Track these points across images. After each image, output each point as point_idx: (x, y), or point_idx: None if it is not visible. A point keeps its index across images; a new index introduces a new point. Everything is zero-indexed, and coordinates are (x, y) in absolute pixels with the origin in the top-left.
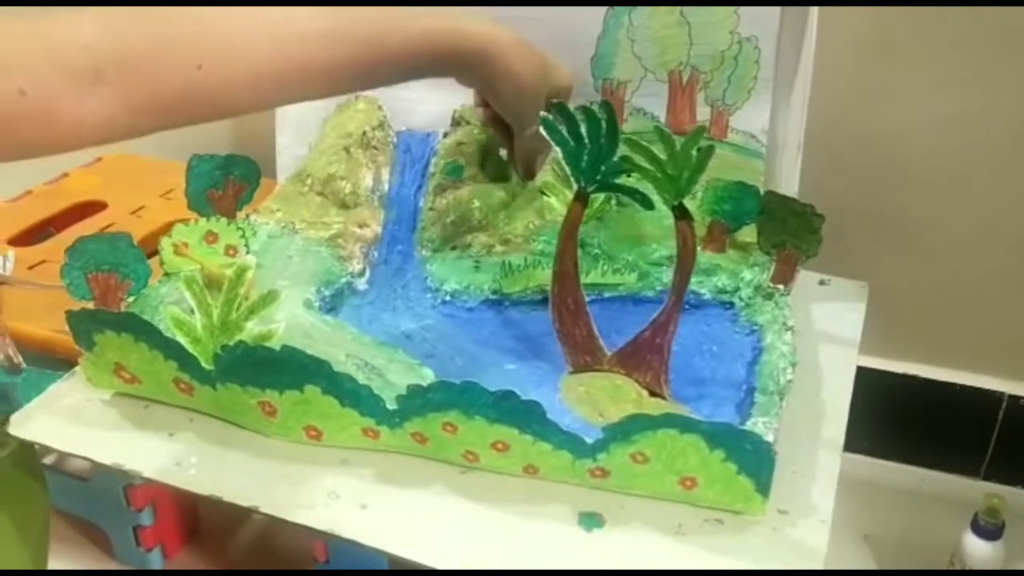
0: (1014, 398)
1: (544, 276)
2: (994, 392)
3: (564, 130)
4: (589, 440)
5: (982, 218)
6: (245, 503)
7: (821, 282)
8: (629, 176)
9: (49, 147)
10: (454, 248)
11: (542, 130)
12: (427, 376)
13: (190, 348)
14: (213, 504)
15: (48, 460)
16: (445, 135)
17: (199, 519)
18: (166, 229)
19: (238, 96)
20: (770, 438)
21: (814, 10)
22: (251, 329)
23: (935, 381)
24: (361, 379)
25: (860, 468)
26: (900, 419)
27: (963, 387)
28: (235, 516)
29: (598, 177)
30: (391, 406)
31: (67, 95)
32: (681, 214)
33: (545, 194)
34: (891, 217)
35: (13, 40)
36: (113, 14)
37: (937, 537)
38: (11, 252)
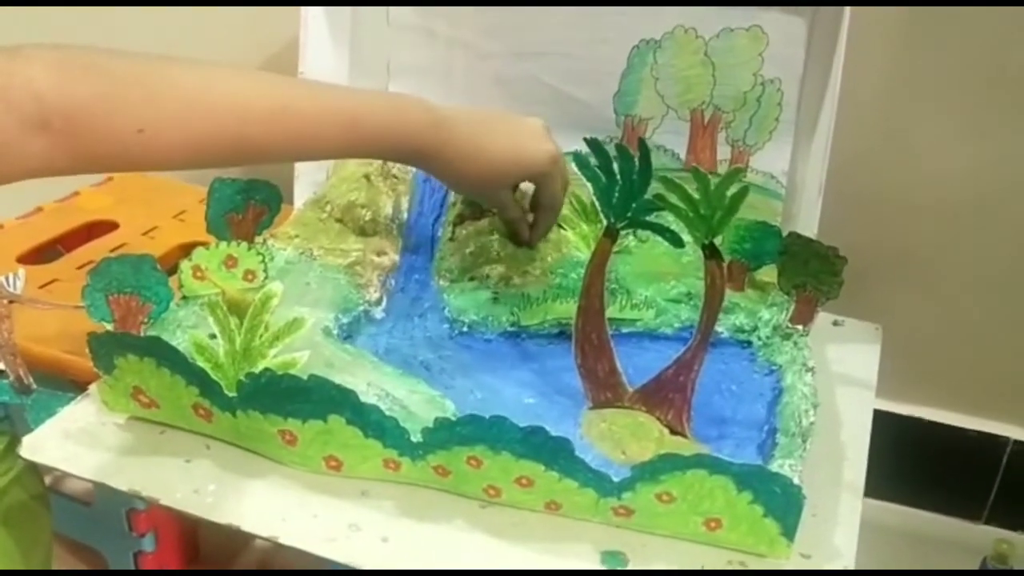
0: (1019, 443)
1: (562, 309)
2: (999, 437)
3: (596, 166)
4: (616, 478)
5: (997, 264)
6: (265, 533)
7: (835, 323)
8: (656, 213)
9: (2, 177)
10: (472, 279)
11: (572, 166)
12: (449, 409)
13: (212, 374)
14: (215, 531)
15: (46, 481)
16: None
17: (198, 546)
18: (179, 251)
19: (175, 160)
20: (796, 481)
21: (839, 54)
22: (273, 356)
23: (938, 424)
24: (383, 409)
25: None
26: (902, 462)
27: (967, 431)
28: (235, 543)
29: (628, 214)
30: (415, 438)
31: (16, 136)
32: (711, 254)
33: (563, 227)
34: (905, 261)
35: None
36: (68, 64)
37: None
38: (21, 270)
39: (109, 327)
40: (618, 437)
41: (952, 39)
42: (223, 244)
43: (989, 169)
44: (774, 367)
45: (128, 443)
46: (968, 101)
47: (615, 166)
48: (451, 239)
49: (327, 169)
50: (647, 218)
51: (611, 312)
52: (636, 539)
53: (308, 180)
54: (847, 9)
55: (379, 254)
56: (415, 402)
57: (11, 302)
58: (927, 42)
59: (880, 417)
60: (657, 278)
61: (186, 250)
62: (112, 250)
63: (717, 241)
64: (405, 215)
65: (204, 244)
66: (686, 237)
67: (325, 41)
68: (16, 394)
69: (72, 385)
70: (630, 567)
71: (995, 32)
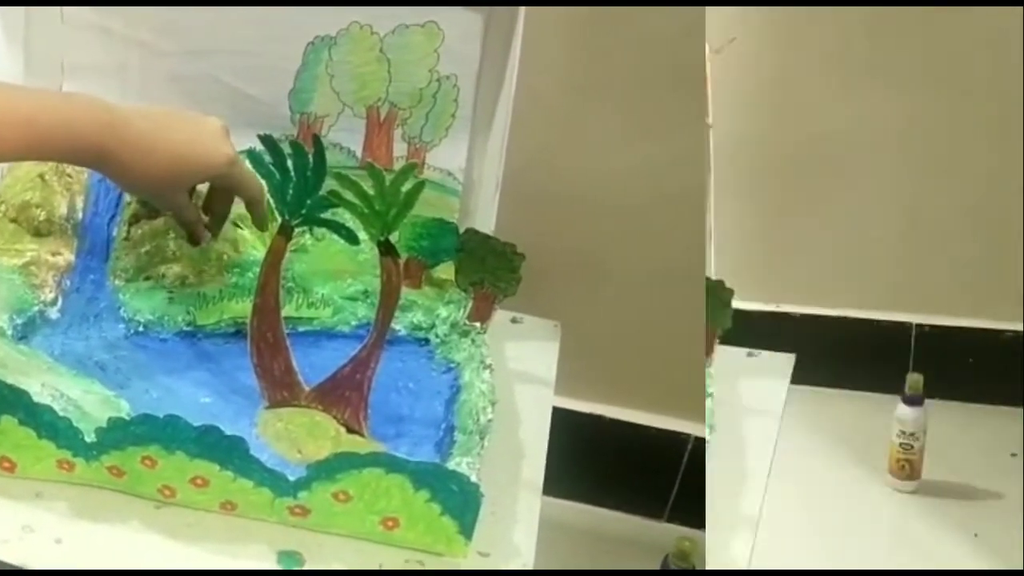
0: (700, 440)
1: (239, 308)
2: (680, 434)
3: (270, 163)
4: (291, 477)
5: (666, 260)
6: None
7: (513, 320)
8: (332, 211)
9: None
10: (148, 278)
11: (247, 163)
12: (124, 408)
13: None
14: None
15: None
16: None
17: None
18: None
19: None
20: (474, 479)
21: (515, 52)
22: None
23: (619, 421)
24: (57, 410)
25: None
26: (582, 459)
27: (648, 428)
28: None
29: (303, 211)
30: (89, 438)
31: None
32: (386, 250)
33: (239, 227)
34: (583, 258)
35: None
36: None
37: None
38: None
39: None
40: (294, 436)
41: (628, 39)
42: None
43: (661, 169)
44: (452, 364)
45: None
46: (642, 101)
47: (289, 163)
48: (126, 239)
49: (1, 169)
50: (322, 215)
51: (287, 311)
52: (313, 539)
53: None
54: (522, 7)
55: (54, 254)
56: (90, 402)
57: None
58: (603, 43)
59: (559, 415)
60: (334, 276)
61: None
62: None
63: (393, 238)
64: (80, 215)
65: None
66: (362, 234)
67: None
68: None
69: None
70: (307, 567)
71: (670, 31)
